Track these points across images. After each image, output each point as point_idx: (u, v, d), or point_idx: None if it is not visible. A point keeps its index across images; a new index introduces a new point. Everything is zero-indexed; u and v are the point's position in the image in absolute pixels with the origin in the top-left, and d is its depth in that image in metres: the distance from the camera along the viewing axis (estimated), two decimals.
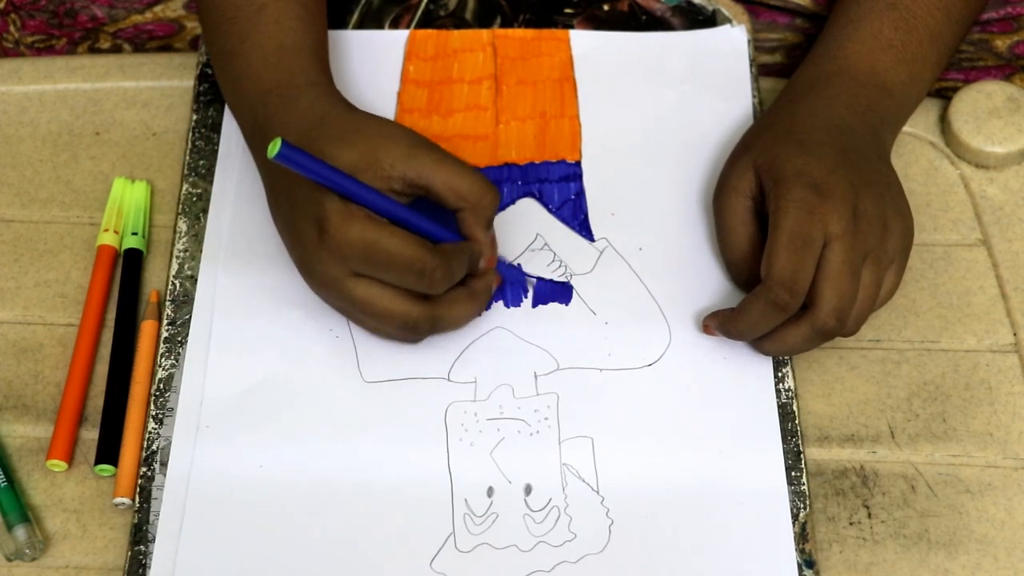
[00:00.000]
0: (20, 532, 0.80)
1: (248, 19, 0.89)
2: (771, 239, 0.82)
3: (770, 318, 0.82)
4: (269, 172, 0.86)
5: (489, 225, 0.84)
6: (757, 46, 1.03)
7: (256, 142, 0.88)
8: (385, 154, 0.81)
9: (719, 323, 0.85)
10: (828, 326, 0.82)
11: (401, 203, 0.81)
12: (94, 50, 1.06)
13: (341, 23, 1.01)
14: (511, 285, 0.88)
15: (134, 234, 0.91)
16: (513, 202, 0.92)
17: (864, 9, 0.92)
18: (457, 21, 1.01)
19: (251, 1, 0.90)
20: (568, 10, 1.01)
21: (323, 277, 0.81)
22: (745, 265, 0.87)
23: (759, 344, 0.85)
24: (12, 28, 1.06)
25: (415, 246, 0.79)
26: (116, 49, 1.06)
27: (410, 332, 0.83)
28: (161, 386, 0.85)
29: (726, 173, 0.88)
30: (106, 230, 0.91)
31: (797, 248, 0.81)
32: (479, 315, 0.86)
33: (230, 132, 0.94)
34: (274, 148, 0.76)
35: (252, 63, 0.88)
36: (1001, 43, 1.03)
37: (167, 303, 0.88)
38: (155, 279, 0.90)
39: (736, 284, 0.88)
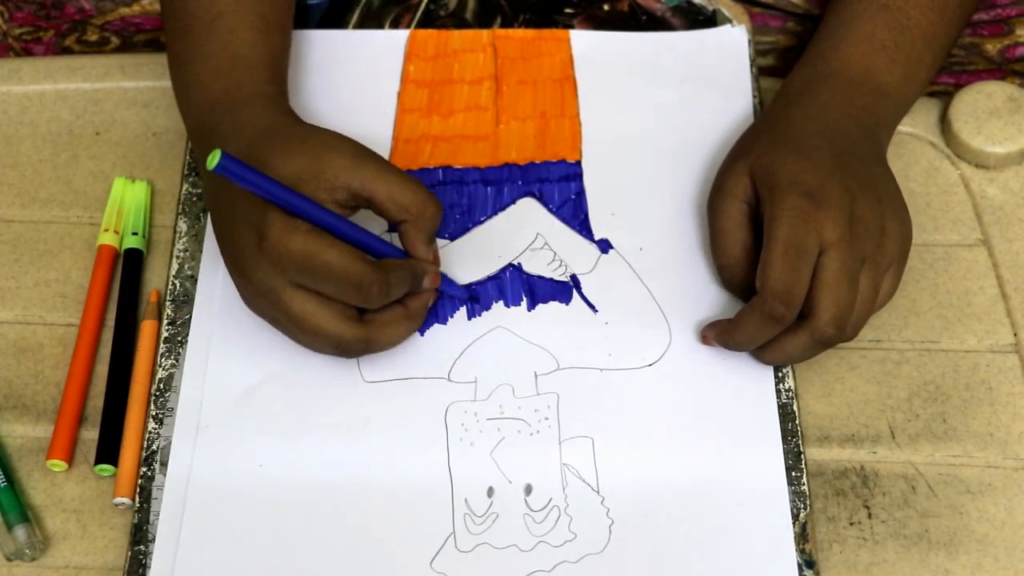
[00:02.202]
0: (20, 532, 0.80)
1: (203, 28, 0.88)
2: (766, 249, 0.81)
3: (766, 330, 0.82)
4: (211, 178, 0.85)
5: (431, 240, 0.83)
6: None
7: (201, 152, 0.87)
8: (329, 164, 0.80)
9: (716, 334, 0.85)
10: (827, 335, 0.81)
11: (344, 216, 0.80)
12: (82, 42, 1.06)
13: (341, 23, 1.01)
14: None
15: (134, 234, 0.91)
16: (513, 202, 0.92)
17: (857, 11, 0.92)
18: (457, 21, 1.01)
19: (207, 10, 0.89)
20: (568, 10, 1.01)
21: (261, 286, 0.80)
22: (738, 270, 0.86)
23: (759, 354, 0.85)
24: (0, 20, 1.06)
25: (354, 259, 0.79)
26: (104, 42, 1.05)
27: (341, 352, 0.83)
28: (161, 386, 0.85)
29: (721, 176, 0.88)
30: (106, 230, 0.91)
31: (792, 259, 0.80)
32: (412, 334, 0.85)
33: None
34: (213, 160, 0.74)
35: (203, 72, 0.88)
36: (992, 47, 1.03)
37: (167, 303, 0.88)
38: (155, 279, 0.90)
39: (728, 289, 0.88)
